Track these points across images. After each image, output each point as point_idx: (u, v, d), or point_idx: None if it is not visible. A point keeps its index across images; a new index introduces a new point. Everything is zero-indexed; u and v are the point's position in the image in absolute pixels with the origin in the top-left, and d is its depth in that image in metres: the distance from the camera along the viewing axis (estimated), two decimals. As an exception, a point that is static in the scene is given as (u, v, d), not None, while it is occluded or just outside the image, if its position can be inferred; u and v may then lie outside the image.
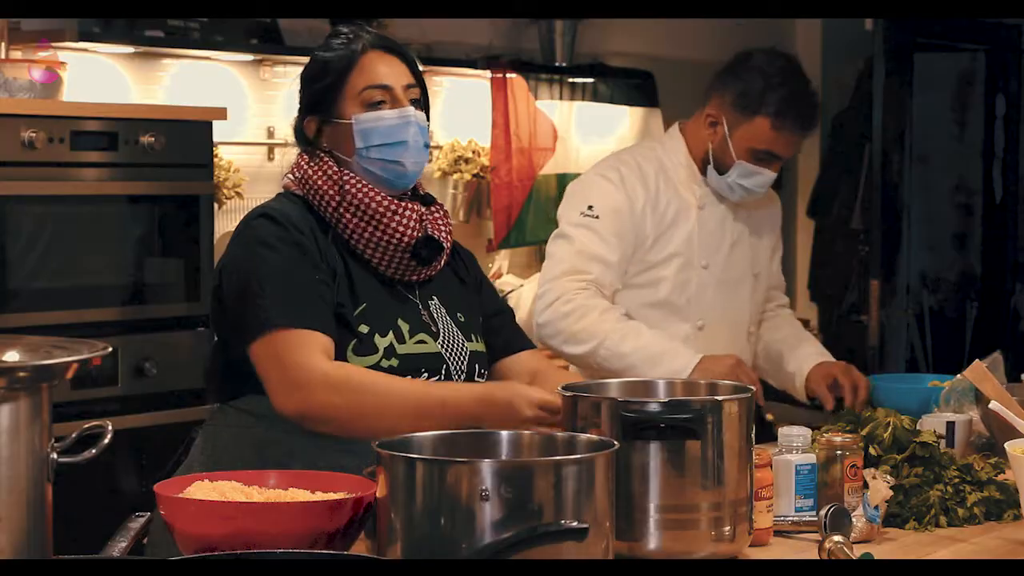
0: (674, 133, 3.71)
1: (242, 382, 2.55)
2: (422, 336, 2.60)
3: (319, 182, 2.60)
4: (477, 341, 2.70)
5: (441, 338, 2.63)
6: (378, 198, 2.59)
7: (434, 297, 2.68)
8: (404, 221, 2.59)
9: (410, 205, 2.64)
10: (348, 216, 2.58)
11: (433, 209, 2.70)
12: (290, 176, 2.67)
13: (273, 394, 2.47)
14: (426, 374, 2.57)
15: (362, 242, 2.58)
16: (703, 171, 3.63)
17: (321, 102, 2.63)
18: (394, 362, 2.54)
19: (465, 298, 2.75)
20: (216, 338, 2.67)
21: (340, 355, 2.50)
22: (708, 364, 3.35)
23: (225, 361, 2.60)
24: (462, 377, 2.63)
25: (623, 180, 3.56)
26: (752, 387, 2.33)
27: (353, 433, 2.29)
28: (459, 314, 2.70)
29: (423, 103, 2.68)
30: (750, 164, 3.56)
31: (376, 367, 2.52)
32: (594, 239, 3.50)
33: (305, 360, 2.44)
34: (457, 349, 2.64)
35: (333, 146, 2.63)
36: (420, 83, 2.68)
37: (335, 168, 2.61)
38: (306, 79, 2.67)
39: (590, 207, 3.52)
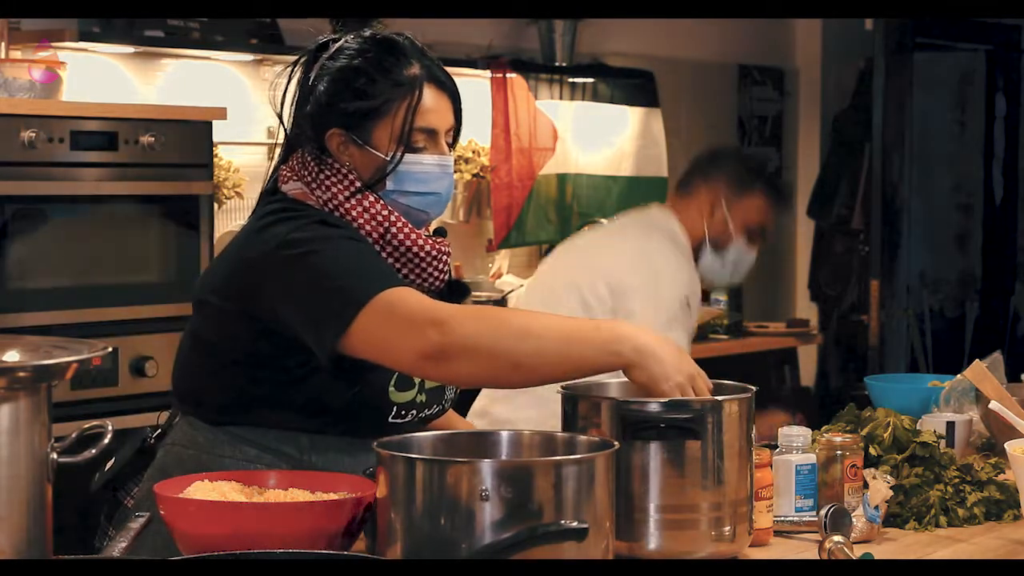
0: (671, 218, 3.88)
1: (248, 406, 2.39)
2: None
3: (353, 212, 2.39)
4: None
5: None
6: (420, 241, 2.42)
7: None
8: (441, 267, 2.46)
9: (445, 247, 2.47)
10: (385, 255, 2.41)
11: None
12: (305, 189, 2.42)
13: (401, 345, 2.20)
14: (435, 406, 2.46)
15: None
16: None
17: (357, 124, 2.42)
18: (423, 397, 2.42)
19: None
20: (207, 348, 2.49)
21: (382, 391, 2.35)
22: None
23: (228, 379, 2.42)
24: (448, 404, 2.52)
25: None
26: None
27: (493, 363, 2.14)
28: None
29: (456, 138, 2.53)
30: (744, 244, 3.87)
31: (412, 403, 2.40)
32: (683, 336, 3.70)
33: (428, 301, 2.26)
34: None
35: (356, 169, 2.43)
36: (459, 120, 2.50)
37: (377, 206, 2.40)
38: (343, 90, 2.43)
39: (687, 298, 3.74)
